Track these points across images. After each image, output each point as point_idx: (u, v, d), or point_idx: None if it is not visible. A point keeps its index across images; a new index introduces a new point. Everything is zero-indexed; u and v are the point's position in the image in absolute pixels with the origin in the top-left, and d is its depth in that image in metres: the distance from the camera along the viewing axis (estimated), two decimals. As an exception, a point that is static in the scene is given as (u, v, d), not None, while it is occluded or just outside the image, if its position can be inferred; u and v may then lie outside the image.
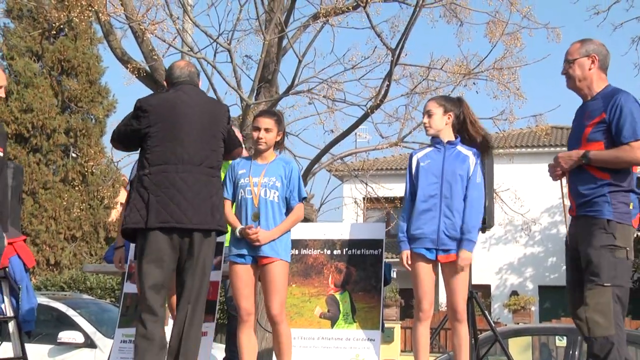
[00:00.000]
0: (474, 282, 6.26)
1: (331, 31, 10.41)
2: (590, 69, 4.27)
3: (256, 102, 10.22)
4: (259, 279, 4.98)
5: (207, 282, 4.46)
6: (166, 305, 4.64)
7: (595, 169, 4.16)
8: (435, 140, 4.98)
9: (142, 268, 4.24)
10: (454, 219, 4.79)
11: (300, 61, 9.88)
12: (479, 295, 5.06)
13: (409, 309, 4.87)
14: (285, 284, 4.95)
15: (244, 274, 4.89)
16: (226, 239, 5.88)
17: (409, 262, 4.87)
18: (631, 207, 4.09)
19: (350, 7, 10.23)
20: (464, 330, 4.84)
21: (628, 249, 4.04)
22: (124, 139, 4.54)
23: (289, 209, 4.97)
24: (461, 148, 4.95)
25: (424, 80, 11.09)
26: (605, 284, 4.00)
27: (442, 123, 4.94)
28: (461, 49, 12.98)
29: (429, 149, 5.02)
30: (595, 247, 4.06)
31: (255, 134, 4.95)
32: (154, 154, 4.31)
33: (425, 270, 4.84)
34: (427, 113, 4.95)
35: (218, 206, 4.42)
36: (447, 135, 4.96)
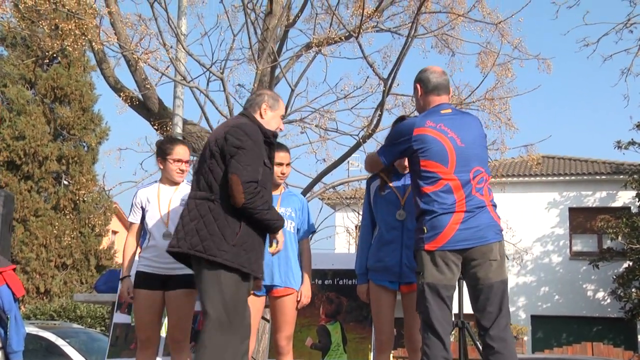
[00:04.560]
0: (465, 311, 6.23)
1: (324, 61, 10.48)
2: (418, 98, 4.48)
3: (248, 131, 10.22)
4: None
5: (205, 307, 4.02)
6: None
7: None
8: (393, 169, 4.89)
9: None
10: None
11: (292, 90, 9.93)
12: (471, 325, 5.02)
13: (400, 338, 4.84)
14: (295, 316, 5.01)
15: (257, 305, 4.90)
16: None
17: (369, 294, 4.82)
18: (425, 232, 4.11)
19: (343, 37, 10.30)
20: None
21: (422, 272, 4.11)
22: None
23: (299, 241, 5.07)
24: None
25: (416, 110, 11.13)
26: (416, 310, 4.23)
27: None
28: (453, 79, 13.08)
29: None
30: None
31: (278, 169, 4.95)
32: None
33: (386, 302, 4.74)
34: None
35: (197, 230, 4.04)
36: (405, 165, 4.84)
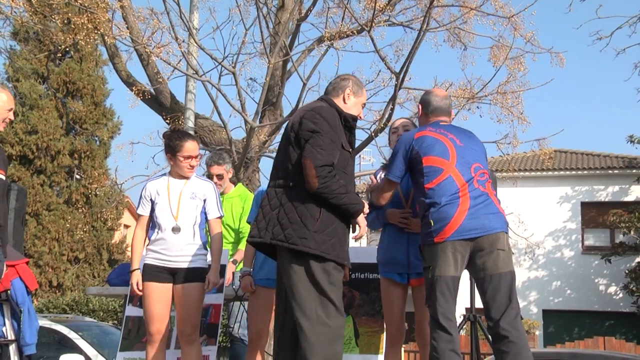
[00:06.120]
0: (477, 305, 6.22)
1: (335, 55, 10.49)
2: (419, 118, 4.73)
3: (260, 125, 10.24)
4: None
5: (295, 299, 3.90)
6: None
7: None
8: None
9: None
10: None
11: (304, 84, 9.92)
12: (482, 319, 5.01)
13: (411, 332, 4.86)
14: None
15: (269, 297, 4.94)
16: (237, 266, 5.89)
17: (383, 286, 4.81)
18: (433, 224, 4.15)
19: (355, 31, 10.30)
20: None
21: (432, 266, 4.16)
22: None
23: None
24: None
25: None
26: (425, 305, 4.30)
27: None
28: (465, 72, 13.16)
29: None
30: None
31: None
32: None
33: (396, 296, 4.75)
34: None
35: (279, 219, 3.92)
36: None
